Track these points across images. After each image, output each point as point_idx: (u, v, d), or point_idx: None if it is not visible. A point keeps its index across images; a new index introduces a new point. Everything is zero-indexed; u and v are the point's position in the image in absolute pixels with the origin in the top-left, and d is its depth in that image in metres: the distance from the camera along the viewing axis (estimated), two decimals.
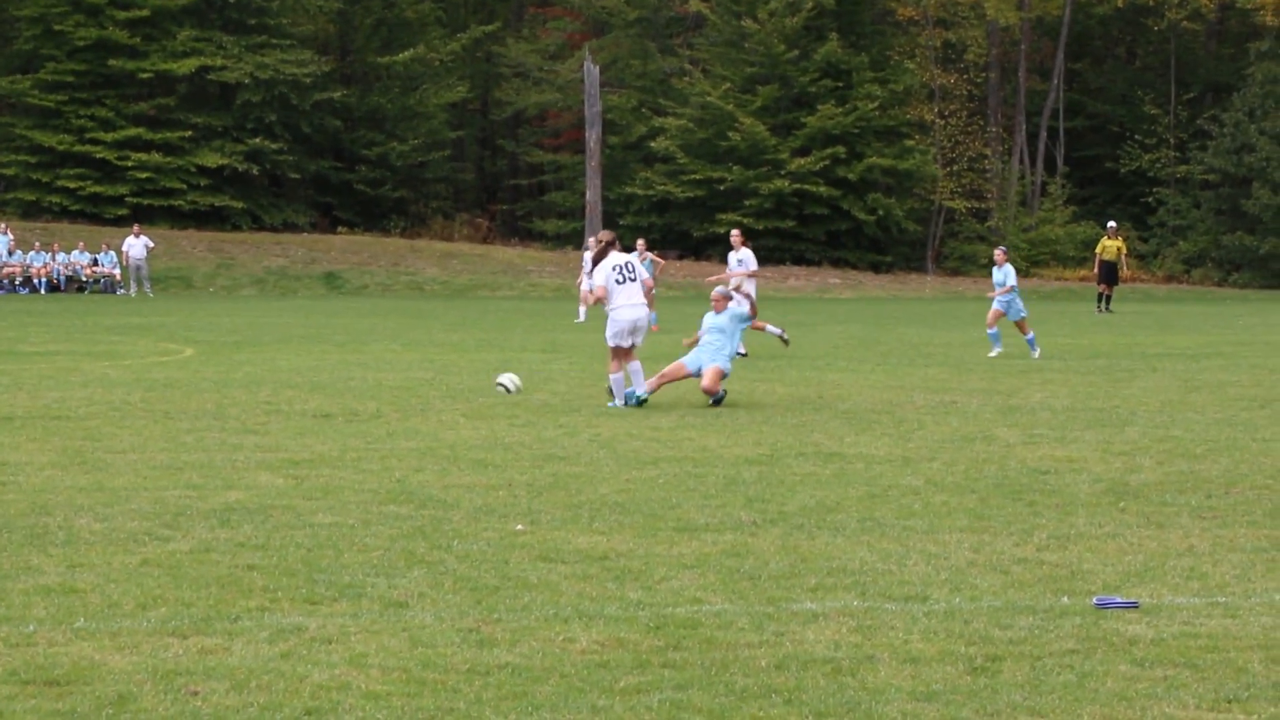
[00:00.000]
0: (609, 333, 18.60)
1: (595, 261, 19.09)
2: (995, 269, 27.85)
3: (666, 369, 19.40)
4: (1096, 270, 47.33)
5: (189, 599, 8.60)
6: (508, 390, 19.43)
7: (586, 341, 29.54)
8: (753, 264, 27.45)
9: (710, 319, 19.58)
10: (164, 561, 9.51)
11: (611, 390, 18.66)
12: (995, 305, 27.61)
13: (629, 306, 18.54)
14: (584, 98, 66.73)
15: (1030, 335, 27.29)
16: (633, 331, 18.53)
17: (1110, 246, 47.04)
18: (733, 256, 27.88)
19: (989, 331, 27.76)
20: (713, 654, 7.68)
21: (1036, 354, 26.71)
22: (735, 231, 28.28)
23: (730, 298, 19.85)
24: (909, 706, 6.90)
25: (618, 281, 18.58)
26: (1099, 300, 46.98)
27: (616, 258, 18.76)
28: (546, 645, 7.79)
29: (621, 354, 18.58)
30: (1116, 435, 16.19)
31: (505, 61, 74.64)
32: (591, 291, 19.28)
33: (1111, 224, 50.55)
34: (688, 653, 7.69)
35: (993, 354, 27.08)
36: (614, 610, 8.52)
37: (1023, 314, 27.47)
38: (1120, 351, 28.83)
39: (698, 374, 19.11)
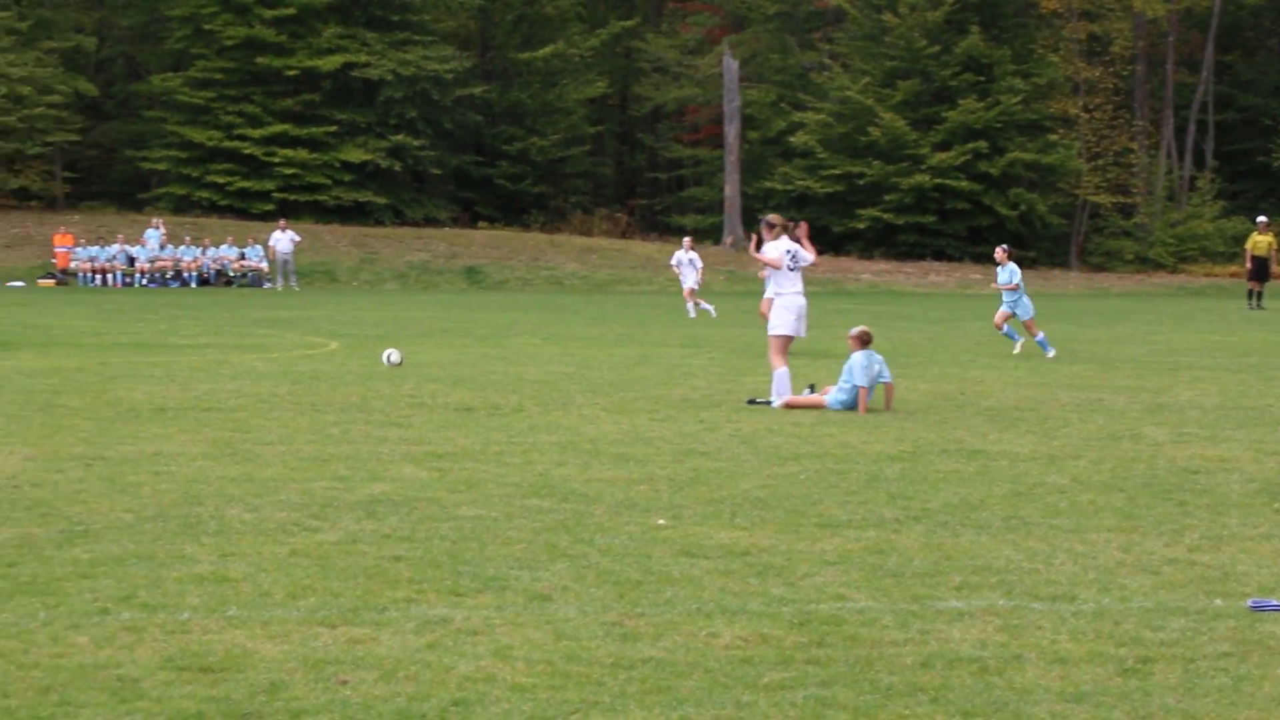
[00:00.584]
0: (775, 321, 18.42)
1: (757, 245, 19.16)
2: (999, 269, 27.09)
3: (806, 400, 18.50)
4: (1248, 266, 46.46)
5: (337, 589, 8.70)
6: (392, 363, 21.41)
7: (725, 337, 29.51)
8: (1018, 277, 26.91)
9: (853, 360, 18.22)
10: (312, 552, 9.64)
11: (775, 388, 18.28)
12: (1004, 306, 26.97)
13: (795, 294, 18.51)
14: (723, 92, 66.72)
15: (1040, 335, 26.30)
16: (799, 318, 18.38)
17: (1261, 242, 46.17)
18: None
19: (1002, 331, 27.16)
20: (857, 651, 7.63)
21: (1051, 354, 25.76)
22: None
23: (864, 339, 18.22)
24: (1058, 708, 6.82)
25: (789, 268, 18.48)
26: (1250, 296, 46.13)
27: (788, 244, 18.67)
28: (690, 640, 7.78)
29: (786, 345, 18.43)
30: (1269, 435, 15.88)
31: (645, 57, 74.80)
32: (765, 266, 19.09)
33: (1262, 219, 49.61)
34: (832, 649, 7.65)
35: (1015, 350, 26.53)
36: (757, 606, 8.50)
37: (1031, 313, 26.71)
38: (1273, 349, 28.27)
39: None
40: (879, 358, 18.10)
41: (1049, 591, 8.92)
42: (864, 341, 18.03)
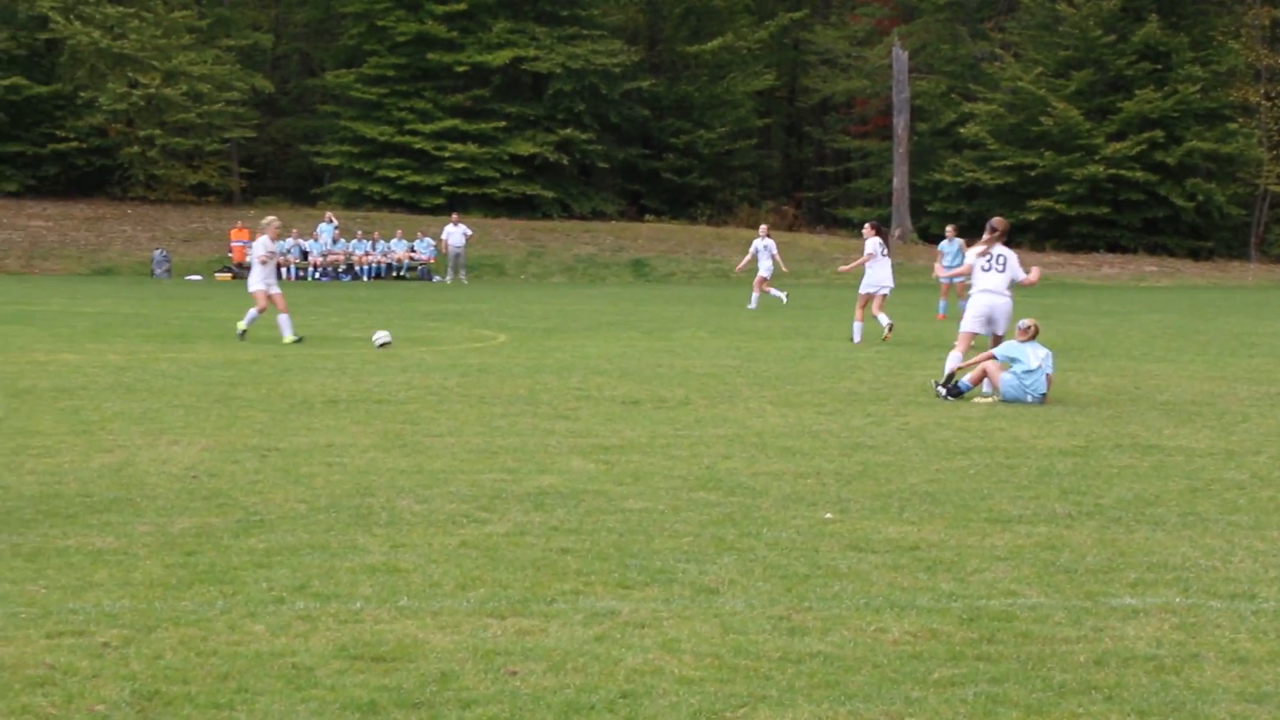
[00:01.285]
0: (966, 315, 19.09)
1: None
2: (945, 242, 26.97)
3: (987, 367, 18.42)
4: None
5: (506, 580, 8.77)
6: (384, 343, 22.91)
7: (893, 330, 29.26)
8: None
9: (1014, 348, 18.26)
10: (481, 543, 9.73)
11: (947, 369, 18.57)
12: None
13: (987, 293, 18.74)
14: (892, 84, 66.23)
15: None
16: (989, 320, 18.74)
17: None
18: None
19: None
20: (1028, 648, 7.53)
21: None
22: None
23: (1032, 333, 18.35)
24: (1238, 708, 6.67)
25: (983, 269, 18.87)
26: None
27: (996, 249, 18.91)
28: (858, 635, 7.74)
29: (968, 340, 18.75)
30: None
31: (813, 48, 74.52)
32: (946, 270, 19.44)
33: None
34: (1003, 646, 7.56)
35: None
36: (926, 601, 8.42)
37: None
38: None
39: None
40: (1045, 352, 17.98)
41: (1227, 589, 8.73)
42: (1032, 335, 18.13)
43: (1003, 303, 18.79)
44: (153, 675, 6.92)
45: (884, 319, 27.63)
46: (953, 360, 18.58)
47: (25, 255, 55.98)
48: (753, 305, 38.17)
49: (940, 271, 23.92)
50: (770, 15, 74.35)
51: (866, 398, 18.10)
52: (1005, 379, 18.01)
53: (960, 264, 25.96)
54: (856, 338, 27.36)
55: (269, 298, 25.79)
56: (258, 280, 25.90)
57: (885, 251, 28.49)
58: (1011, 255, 18.92)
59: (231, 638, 7.52)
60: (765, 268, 38.72)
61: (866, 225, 29.18)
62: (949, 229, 34.41)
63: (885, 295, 27.89)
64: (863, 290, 28.02)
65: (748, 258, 40.08)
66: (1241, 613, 8.22)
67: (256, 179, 69.46)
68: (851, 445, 14.22)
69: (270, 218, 26.62)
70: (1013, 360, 18.01)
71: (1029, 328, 18.20)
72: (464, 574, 8.89)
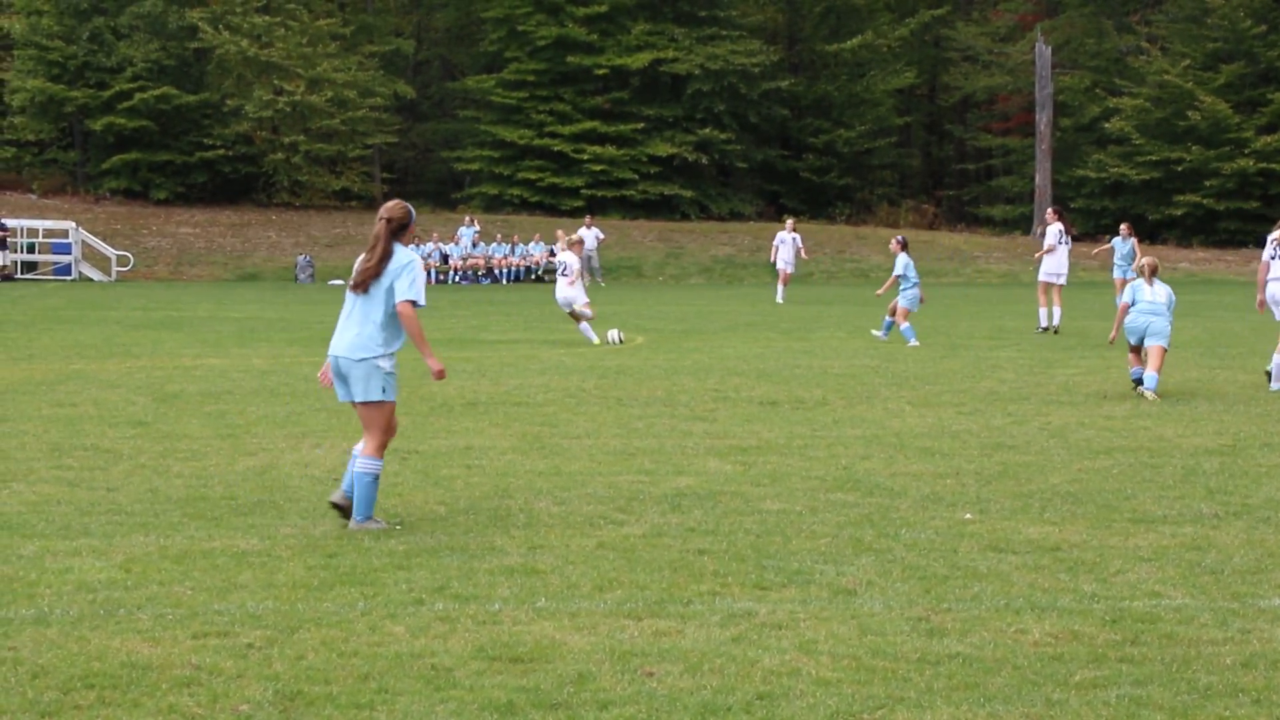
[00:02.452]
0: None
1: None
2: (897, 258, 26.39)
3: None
4: None
5: (643, 582, 8.79)
6: (615, 341, 23.20)
7: (1033, 328, 28.92)
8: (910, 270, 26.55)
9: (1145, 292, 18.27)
10: (618, 545, 9.76)
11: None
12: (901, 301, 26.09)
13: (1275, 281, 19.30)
14: (1034, 80, 65.48)
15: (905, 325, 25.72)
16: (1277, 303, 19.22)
17: None
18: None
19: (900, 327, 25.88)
20: (1173, 650, 7.42)
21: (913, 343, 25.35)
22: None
23: (1152, 269, 18.61)
24: None
25: (1271, 256, 19.36)
26: None
27: None
28: (998, 636, 7.66)
29: None
30: None
31: (954, 45, 73.91)
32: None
33: None
34: (1146, 648, 7.45)
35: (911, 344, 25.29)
36: (1067, 602, 8.32)
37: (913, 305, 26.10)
38: None
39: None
40: (1162, 302, 18.04)
41: None
42: (1152, 271, 18.52)
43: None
44: (295, 676, 7.02)
45: (1056, 312, 27.91)
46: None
47: (174, 261, 57.08)
48: (780, 299, 38.73)
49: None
50: (911, 13, 73.83)
51: (1007, 397, 17.91)
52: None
53: (1133, 263, 25.99)
54: (1043, 322, 27.54)
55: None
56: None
57: (1065, 240, 28.44)
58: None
59: (372, 639, 7.62)
60: (786, 259, 39.25)
61: (1049, 210, 29.36)
62: (1123, 227, 33.83)
63: (1059, 286, 27.66)
64: (1040, 279, 28.26)
65: (774, 253, 40.57)
66: None
67: (398, 184, 70.23)
68: (991, 445, 14.08)
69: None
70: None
71: (1149, 265, 18.62)
72: (601, 575, 8.93)
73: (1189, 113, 62.80)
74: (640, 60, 64.60)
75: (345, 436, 14.48)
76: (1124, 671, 7.09)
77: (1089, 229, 66.80)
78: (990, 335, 28.16)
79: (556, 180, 64.63)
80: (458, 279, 54.74)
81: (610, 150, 64.46)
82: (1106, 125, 65.44)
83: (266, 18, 62.26)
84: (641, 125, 65.18)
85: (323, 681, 6.94)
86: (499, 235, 56.68)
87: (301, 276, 54.55)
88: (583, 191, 64.48)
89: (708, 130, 65.40)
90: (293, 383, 19.27)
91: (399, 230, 10.36)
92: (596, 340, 25.86)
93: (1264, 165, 62.07)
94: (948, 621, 7.95)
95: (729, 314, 35.48)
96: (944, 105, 78.50)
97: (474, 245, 55.58)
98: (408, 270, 10.23)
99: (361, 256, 10.42)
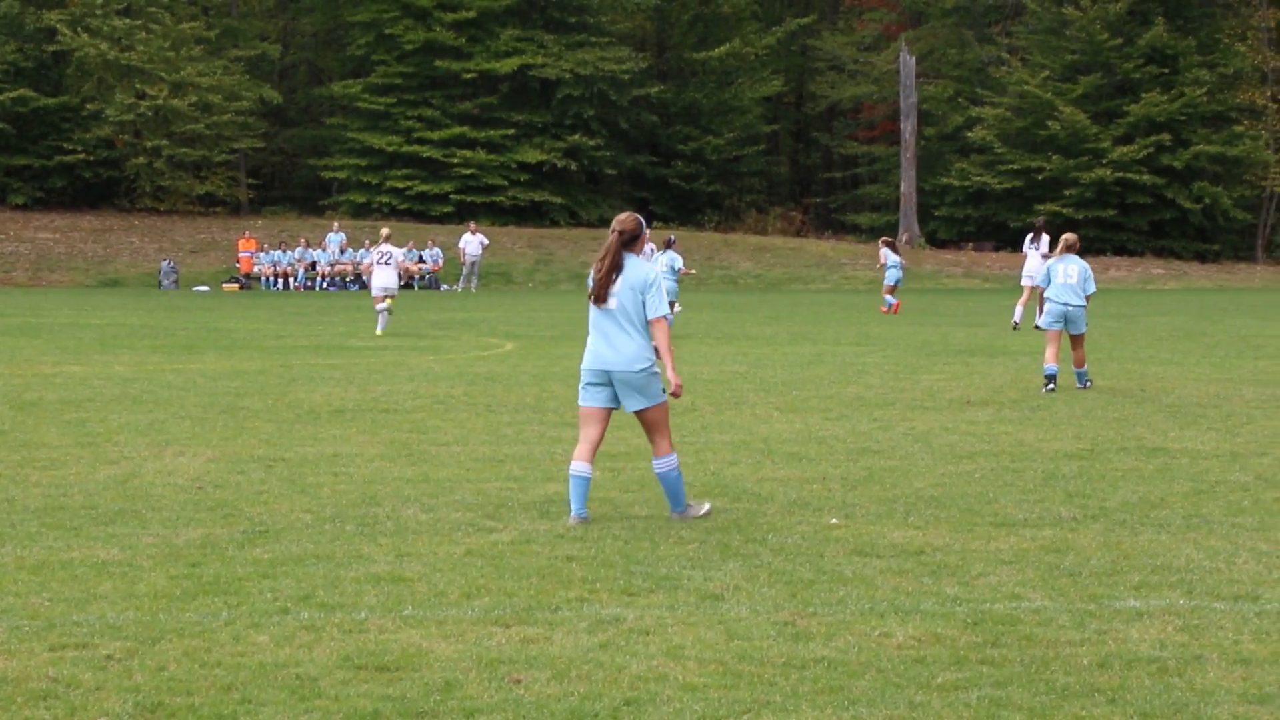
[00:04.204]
0: None
1: None
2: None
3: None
4: None
5: (511, 589, 8.78)
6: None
7: (900, 334, 29.28)
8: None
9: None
10: (487, 552, 9.74)
11: None
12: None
13: None
14: (899, 89, 66.26)
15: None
16: None
17: None
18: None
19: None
20: (1032, 651, 7.54)
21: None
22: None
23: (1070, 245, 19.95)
24: (1240, 710, 6.67)
25: None
26: None
27: None
28: (862, 640, 7.74)
29: None
30: None
31: (821, 54, 74.59)
32: None
33: None
34: (1007, 650, 7.56)
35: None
36: (931, 605, 8.43)
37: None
38: None
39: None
40: (1076, 281, 19.37)
41: (1231, 591, 8.73)
42: (1068, 246, 19.83)
43: None
44: (156, 687, 6.93)
45: (1018, 312, 30.62)
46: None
47: (32, 268, 56.11)
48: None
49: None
50: (778, 21, 74.40)
51: (873, 403, 18.10)
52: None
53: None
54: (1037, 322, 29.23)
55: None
56: None
57: (1034, 245, 31.47)
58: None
59: (236, 649, 7.54)
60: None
61: (1040, 219, 31.58)
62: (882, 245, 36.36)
63: (1031, 289, 29.81)
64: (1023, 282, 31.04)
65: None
66: (1245, 615, 8.21)
67: (264, 189, 69.55)
68: (857, 450, 14.22)
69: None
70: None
71: (1067, 241, 19.97)
72: (469, 583, 8.91)
73: (1049, 123, 63.87)
74: (509, 66, 64.50)
75: (208, 444, 14.32)
76: (985, 673, 7.19)
77: (952, 236, 67.74)
78: (857, 341, 28.45)
79: (425, 188, 64.33)
80: (325, 285, 54.35)
81: (480, 156, 64.29)
82: (969, 134, 66.38)
83: (128, 20, 61.36)
84: (511, 131, 65.09)
85: (184, 693, 6.85)
86: (367, 241, 56.32)
87: (165, 282, 53.87)
88: (452, 198, 64.25)
89: (577, 137, 65.43)
90: (155, 390, 19.02)
91: (630, 242, 10.78)
92: (381, 331, 29.35)
93: (1121, 175, 63.27)
94: (813, 625, 8.01)
95: None
96: (811, 113, 79.17)
97: (341, 251, 55.22)
98: (656, 286, 10.75)
99: (593, 269, 10.81)
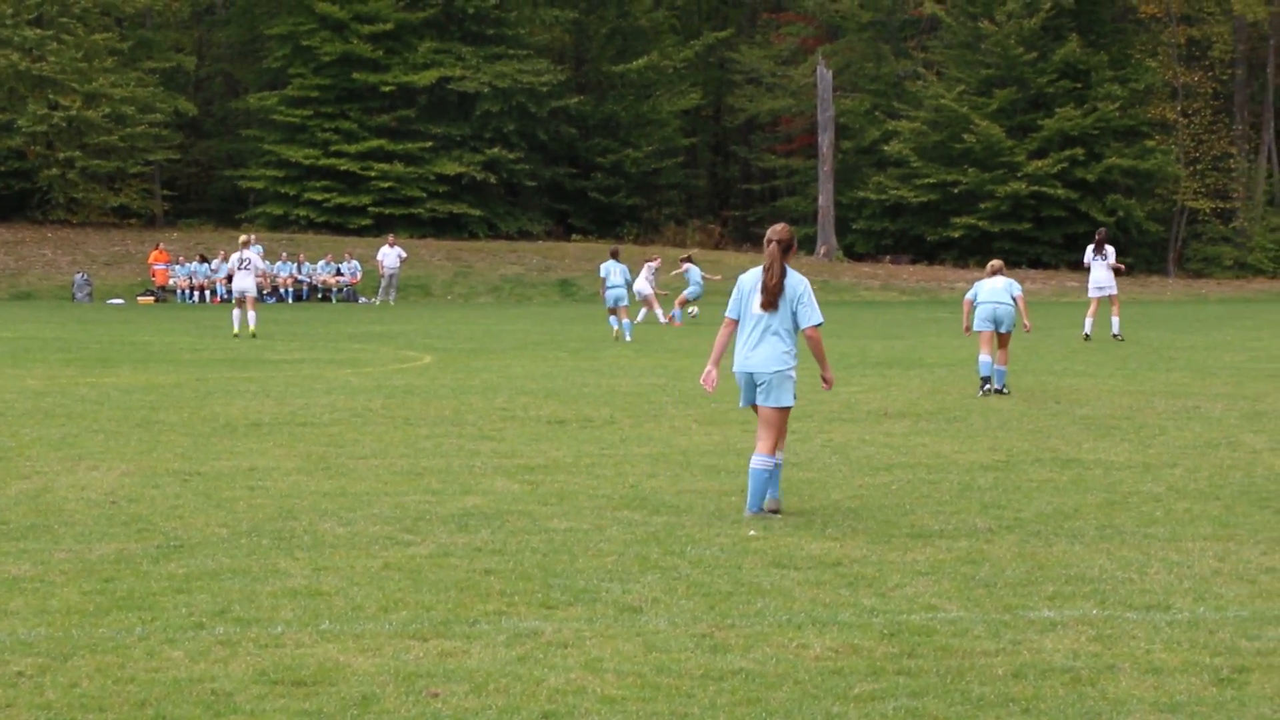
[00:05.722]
0: None
1: None
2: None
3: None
4: None
5: (429, 602, 8.76)
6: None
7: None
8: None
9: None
10: (405, 565, 9.71)
11: None
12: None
13: None
14: (817, 102, 66.59)
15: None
16: None
17: None
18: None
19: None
20: (948, 662, 7.59)
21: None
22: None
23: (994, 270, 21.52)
24: (1151, 718, 6.75)
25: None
26: None
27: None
28: (780, 651, 7.77)
29: None
30: None
31: (738, 68, 74.82)
32: None
33: None
34: (923, 660, 7.62)
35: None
36: (848, 617, 8.47)
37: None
38: None
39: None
40: (1001, 289, 20.83)
41: (1143, 601, 8.84)
42: (994, 271, 21.34)
43: None
44: (69, 704, 6.86)
45: (1089, 322, 31.76)
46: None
47: None
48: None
49: None
50: (695, 35, 74.61)
51: (792, 415, 18.09)
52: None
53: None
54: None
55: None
56: None
57: (1099, 256, 32.04)
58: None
59: (149, 664, 7.47)
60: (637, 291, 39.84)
61: (1102, 230, 33.39)
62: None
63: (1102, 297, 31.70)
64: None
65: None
66: (1156, 624, 8.31)
67: (180, 201, 68.96)
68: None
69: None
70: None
71: (992, 266, 21.61)
72: (386, 596, 8.87)
73: (964, 136, 64.38)
74: (427, 78, 64.31)
75: (122, 458, 14.18)
76: (901, 684, 7.24)
77: (869, 249, 68.14)
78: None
79: (344, 200, 64.00)
80: None
81: (398, 168, 64.05)
82: (886, 148, 66.80)
83: (39, 30, 60.68)
84: (429, 144, 64.88)
85: (97, 709, 6.79)
86: (284, 254, 56.00)
87: (79, 295, 53.30)
88: (370, 210, 63.96)
89: (496, 149, 65.32)
90: (69, 404, 18.82)
91: (787, 250, 11.51)
92: (237, 330, 32.14)
93: (1035, 188, 63.87)
94: (731, 637, 8.04)
95: (517, 333, 35.49)
96: (729, 126, 79.44)
97: None
98: (807, 294, 11.49)
99: (755, 275, 11.63)
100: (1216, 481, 13.10)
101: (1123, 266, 33.34)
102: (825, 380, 11.81)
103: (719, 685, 7.21)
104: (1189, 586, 9.18)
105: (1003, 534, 10.78)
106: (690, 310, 40.56)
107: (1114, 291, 32.02)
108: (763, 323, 11.54)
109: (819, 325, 11.51)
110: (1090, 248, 32.54)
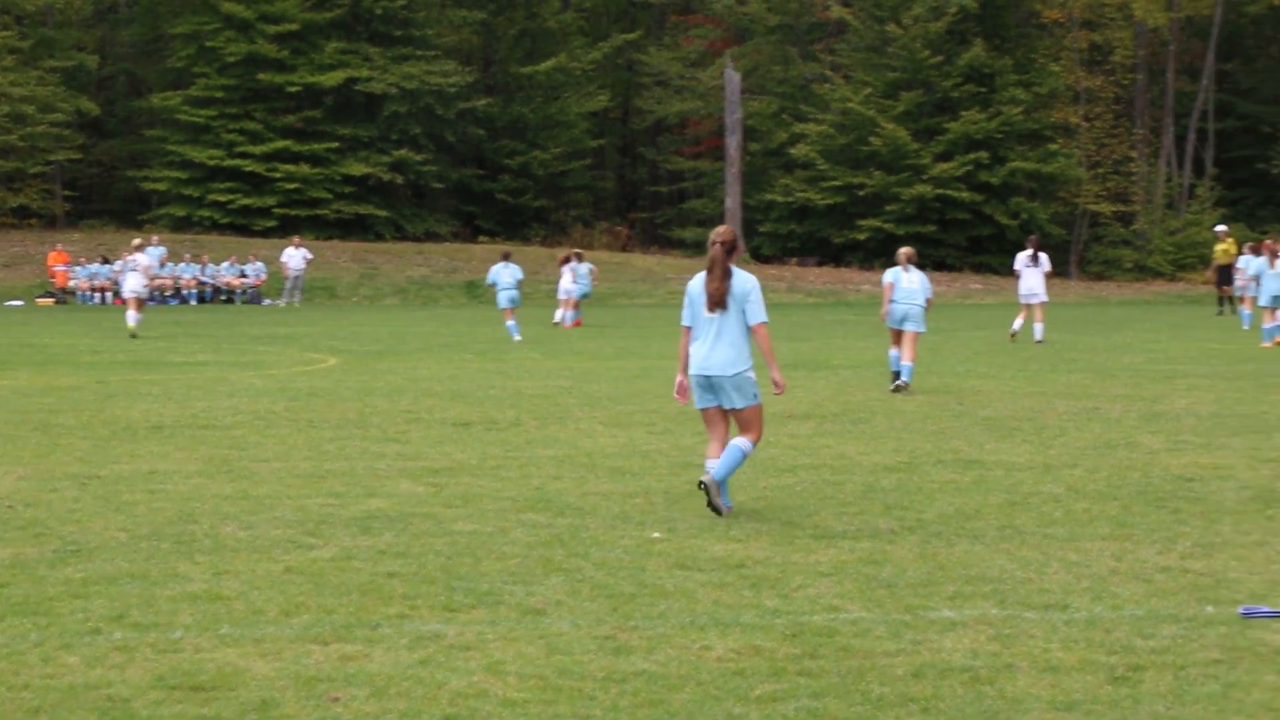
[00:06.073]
0: None
1: None
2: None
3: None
4: (1213, 274, 47.21)
5: (331, 606, 8.71)
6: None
7: None
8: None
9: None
10: (307, 569, 9.65)
11: None
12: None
13: None
14: (724, 105, 66.81)
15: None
16: None
17: (1222, 250, 47.06)
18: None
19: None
20: (849, 662, 7.64)
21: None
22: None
23: (907, 257, 21.72)
24: (1048, 716, 6.83)
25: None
26: (1219, 303, 47.35)
27: None
28: (683, 653, 7.79)
29: None
30: (1264, 442, 15.88)
31: (646, 70, 74.91)
32: None
33: (1222, 228, 50.48)
34: (824, 661, 7.66)
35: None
36: (750, 618, 8.50)
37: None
38: (1269, 356, 28.25)
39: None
40: (917, 287, 21.25)
41: (1042, 600, 8.93)
42: (908, 259, 21.61)
43: None
44: None
45: (1017, 323, 32.37)
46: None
47: None
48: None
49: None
50: (604, 37, 74.62)
51: (696, 417, 18.14)
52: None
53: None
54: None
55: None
56: None
57: (1033, 264, 32.57)
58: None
59: (45, 670, 7.38)
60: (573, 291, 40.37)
61: (1033, 238, 34.33)
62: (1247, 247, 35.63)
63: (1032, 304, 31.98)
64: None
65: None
66: (1054, 623, 8.40)
67: (81, 202, 68.12)
68: (680, 464, 14.32)
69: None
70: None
71: (905, 253, 21.84)
72: (288, 600, 8.81)
73: (871, 139, 64.78)
74: (334, 79, 63.92)
75: (19, 461, 14.00)
76: (802, 684, 7.27)
77: (776, 252, 68.42)
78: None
79: (249, 201, 63.47)
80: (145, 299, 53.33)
81: (304, 170, 63.60)
82: (793, 151, 67.08)
83: None
84: (336, 144, 64.48)
85: None
86: (187, 255, 55.49)
87: None
88: (275, 211, 63.47)
89: (403, 150, 65.03)
90: None
91: (731, 251, 11.68)
92: (132, 325, 33.35)
93: (941, 191, 64.38)
94: (634, 639, 8.05)
95: (424, 335, 35.36)
96: (637, 129, 79.52)
97: (160, 265, 54.32)
98: (755, 293, 11.69)
99: (702, 278, 11.79)
100: (1115, 482, 13.26)
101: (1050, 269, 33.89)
102: (775, 383, 11.86)
103: (621, 687, 7.21)
104: (1086, 586, 9.29)
105: (905, 535, 10.86)
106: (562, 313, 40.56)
107: (1044, 299, 32.40)
108: (715, 325, 11.68)
109: (764, 324, 11.68)
110: (1024, 254, 32.98)
